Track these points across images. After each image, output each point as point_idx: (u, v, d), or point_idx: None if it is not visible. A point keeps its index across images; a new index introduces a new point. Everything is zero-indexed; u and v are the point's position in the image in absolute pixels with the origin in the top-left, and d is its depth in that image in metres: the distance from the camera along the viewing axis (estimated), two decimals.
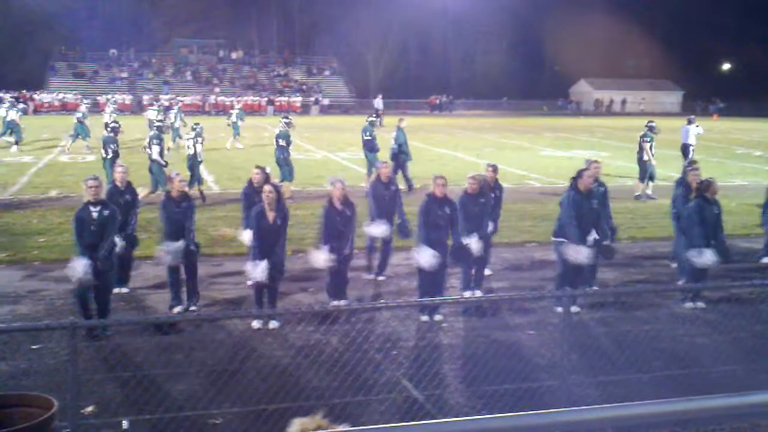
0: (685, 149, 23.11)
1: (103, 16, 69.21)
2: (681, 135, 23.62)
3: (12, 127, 29.58)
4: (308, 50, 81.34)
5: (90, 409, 6.83)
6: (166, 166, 17.55)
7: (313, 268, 11.70)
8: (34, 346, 8.40)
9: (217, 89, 67.84)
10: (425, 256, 9.59)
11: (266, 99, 64.25)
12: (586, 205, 9.98)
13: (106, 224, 8.97)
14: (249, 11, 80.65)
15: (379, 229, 11.19)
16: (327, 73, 77.31)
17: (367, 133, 20.71)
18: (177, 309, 9.73)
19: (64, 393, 5.72)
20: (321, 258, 9.88)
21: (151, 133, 18.56)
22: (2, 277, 11.46)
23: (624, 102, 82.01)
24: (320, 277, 10.73)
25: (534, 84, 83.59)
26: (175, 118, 31.58)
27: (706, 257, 9.99)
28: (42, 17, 63.86)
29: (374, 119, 20.95)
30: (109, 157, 17.80)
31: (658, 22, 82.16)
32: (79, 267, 8.70)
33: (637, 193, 19.45)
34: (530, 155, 30.53)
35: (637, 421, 2.82)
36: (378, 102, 55.64)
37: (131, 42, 73.05)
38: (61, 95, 60.34)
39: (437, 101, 70.16)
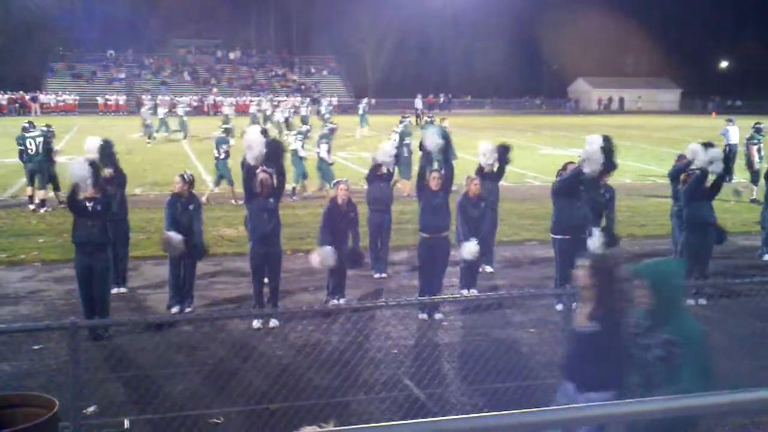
0: (730, 151, 22.89)
1: (101, 18, 69.13)
2: (724, 136, 23.55)
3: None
4: (306, 50, 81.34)
5: (92, 409, 6.83)
6: (332, 164, 18.06)
7: (312, 267, 11.73)
8: (35, 347, 8.40)
9: (215, 90, 67.83)
10: (469, 248, 9.94)
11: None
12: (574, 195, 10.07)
13: (98, 215, 8.88)
14: (247, 11, 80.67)
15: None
16: (325, 72, 77.32)
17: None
18: (174, 309, 9.73)
19: (66, 393, 5.73)
20: (320, 258, 9.79)
21: (321, 131, 19.07)
22: (2, 278, 11.46)
23: (622, 100, 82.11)
24: (320, 276, 10.74)
25: (532, 83, 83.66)
26: (328, 112, 36.91)
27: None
28: (40, 19, 63.84)
29: (429, 119, 21.04)
30: (221, 157, 18.08)
31: (656, 21, 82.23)
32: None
33: (752, 197, 18.94)
34: (529, 154, 30.55)
35: (639, 418, 2.83)
36: (418, 102, 55.74)
37: (129, 43, 73.05)
38: (64, 96, 60.46)
39: (435, 100, 70.08)
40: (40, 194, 16.88)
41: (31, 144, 16.91)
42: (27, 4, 63.12)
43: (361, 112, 40.46)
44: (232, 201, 17.64)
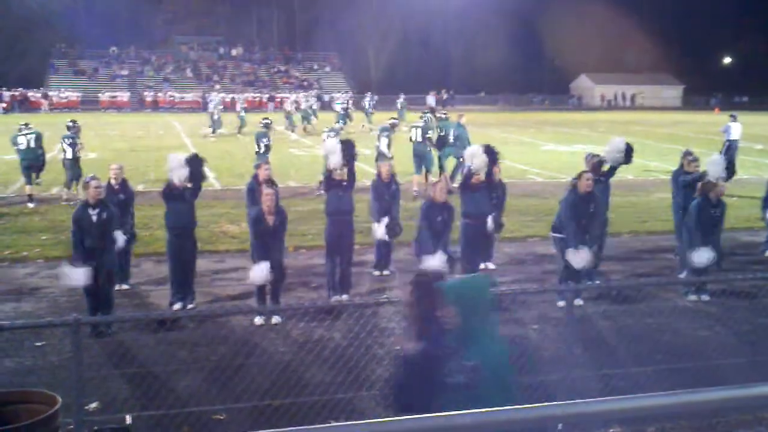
0: (729, 147, 22.85)
1: (103, 14, 69.12)
2: (725, 133, 23.48)
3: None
4: (308, 46, 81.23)
5: (94, 405, 6.84)
6: (391, 158, 17.98)
7: (315, 264, 11.74)
8: (37, 344, 8.41)
9: (217, 86, 67.78)
10: (578, 257, 9.57)
11: (267, 95, 64.17)
12: (583, 207, 9.93)
13: (106, 227, 8.96)
14: (249, 7, 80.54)
15: (380, 230, 11.09)
16: (327, 69, 77.24)
17: (442, 130, 20.44)
18: (177, 306, 9.74)
19: (68, 390, 5.73)
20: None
21: (381, 125, 19.16)
22: (5, 275, 11.48)
23: (624, 96, 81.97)
24: (323, 273, 10.74)
25: (535, 79, 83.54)
26: (371, 107, 41.70)
27: (702, 256, 9.98)
28: (42, 15, 63.80)
29: (444, 116, 21.17)
30: (261, 151, 18.06)
31: (659, 16, 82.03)
32: (75, 275, 8.71)
33: None
34: (532, 150, 30.53)
35: (641, 414, 2.82)
36: (430, 99, 56.00)
37: (131, 40, 72.99)
38: (66, 93, 60.42)
39: (438, 96, 69.79)
40: (27, 189, 17.30)
41: (22, 141, 17.20)
42: (28, 1, 63.08)
43: (399, 107, 43.15)
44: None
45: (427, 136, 19.52)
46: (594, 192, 10.05)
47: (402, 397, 4.38)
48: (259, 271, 9.18)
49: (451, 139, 19.64)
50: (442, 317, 4.17)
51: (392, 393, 4.60)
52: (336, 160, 10.06)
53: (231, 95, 56.34)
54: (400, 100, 45.45)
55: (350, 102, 42.19)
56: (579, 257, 9.67)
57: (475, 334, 4.09)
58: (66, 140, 17.47)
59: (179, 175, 9.56)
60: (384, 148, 17.97)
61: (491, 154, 10.63)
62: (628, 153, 11.01)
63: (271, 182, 10.54)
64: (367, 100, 42.81)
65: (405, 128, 37.25)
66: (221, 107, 38.93)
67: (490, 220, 10.83)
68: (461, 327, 4.08)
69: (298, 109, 39.17)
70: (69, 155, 17.32)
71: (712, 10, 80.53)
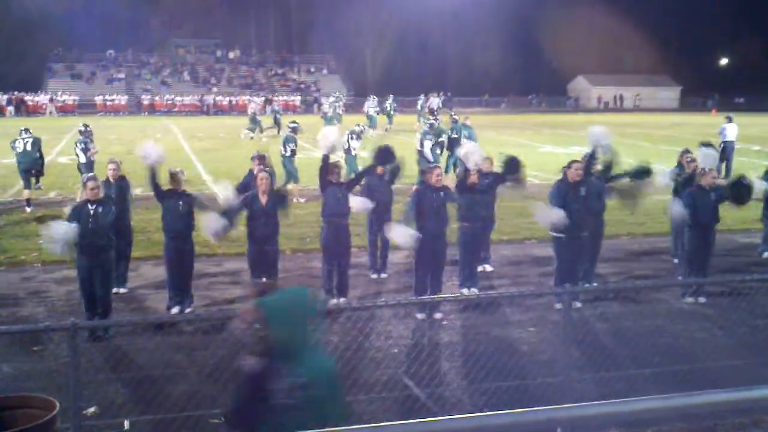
0: (726, 148, 22.87)
1: (101, 17, 69.08)
2: (720, 135, 23.53)
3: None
4: (305, 49, 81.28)
5: (92, 410, 6.83)
6: (432, 161, 18.04)
7: (312, 267, 11.75)
8: (35, 348, 8.41)
9: (214, 89, 67.79)
10: (550, 215, 9.74)
11: (264, 98, 64.16)
12: (572, 194, 10.00)
13: (104, 220, 8.98)
14: (246, 11, 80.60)
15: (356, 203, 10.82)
16: (324, 71, 77.29)
17: (454, 132, 20.53)
18: (174, 310, 9.73)
19: (66, 394, 5.73)
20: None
21: (422, 128, 19.17)
22: (2, 279, 11.46)
23: (621, 98, 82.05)
24: (319, 276, 10.74)
25: (532, 81, 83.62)
26: (393, 109, 43.32)
27: (679, 209, 10.12)
28: (39, 18, 63.74)
29: (455, 118, 21.34)
30: (288, 155, 18.11)
31: (656, 18, 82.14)
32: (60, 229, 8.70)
33: None
34: (529, 152, 30.51)
35: (639, 417, 2.83)
36: (434, 101, 56.15)
37: (128, 43, 73.00)
38: (63, 96, 60.32)
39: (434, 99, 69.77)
40: (25, 193, 17.22)
41: (19, 144, 17.35)
42: (26, 3, 63.01)
43: (419, 107, 46.72)
44: (296, 199, 17.50)
45: (441, 139, 19.57)
46: (584, 179, 10.13)
47: (236, 415, 4.15)
48: (211, 221, 9.25)
49: (462, 141, 19.74)
50: (263, 333, 3.93)
51: (232, 416, 4.35)
52: (326, 145, 10.01)
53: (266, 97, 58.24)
54: (421, 101, 47.91)
55: (377, 105, 42.91)
56: (551, 215, 9.75)
57: (300, 350, 3.86)
58: (79, 145, 17.59)
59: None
60: (428, 152, 17.98)
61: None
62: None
63: (265, 166, 10.56)
64: (389, 103, 43.31)
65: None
66: (260, 109, 39.52)
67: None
68: (279, 342, 3.84)
69: (335, 111, 39.45)
70: (83, 159, 17.43)
71: (709, 11, 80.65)
